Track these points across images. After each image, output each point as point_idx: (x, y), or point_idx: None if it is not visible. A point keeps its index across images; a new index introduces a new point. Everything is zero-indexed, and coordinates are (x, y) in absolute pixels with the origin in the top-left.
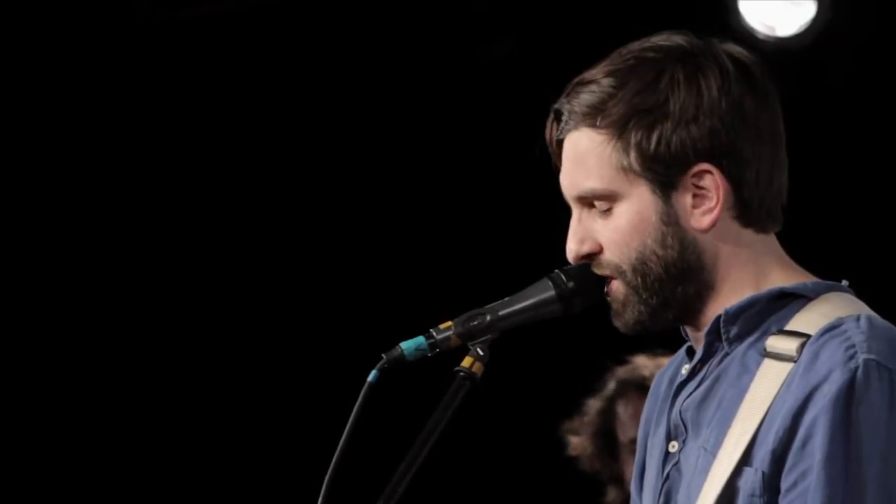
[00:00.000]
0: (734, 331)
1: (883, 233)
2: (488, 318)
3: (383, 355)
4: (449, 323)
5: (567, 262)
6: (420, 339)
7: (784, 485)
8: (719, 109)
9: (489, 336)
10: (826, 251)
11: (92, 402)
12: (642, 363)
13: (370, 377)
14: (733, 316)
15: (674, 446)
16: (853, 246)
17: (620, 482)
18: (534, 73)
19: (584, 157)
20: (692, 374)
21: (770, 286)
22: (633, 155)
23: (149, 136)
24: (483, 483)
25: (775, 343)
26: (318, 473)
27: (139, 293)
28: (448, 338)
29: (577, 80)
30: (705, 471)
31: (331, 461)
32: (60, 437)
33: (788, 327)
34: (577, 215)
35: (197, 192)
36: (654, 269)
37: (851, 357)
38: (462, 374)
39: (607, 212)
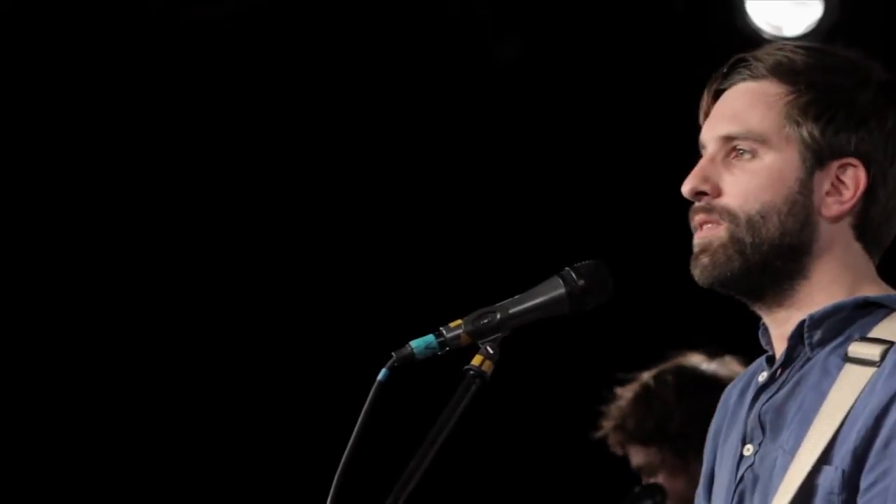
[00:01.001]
0: (817, 335)
1: None
2: (498, 316)
3: (393, 354)
4: (459, 321)
5: (578, 260)
6: (430, 338)
7: (864, 483)
8: (890, 128)
9: (499, 334)
10: None
11: (93, 401)
12: (695, 360)
13: (380, 375)
14: (818, 321)
15: (748, 449)
16: None
17: (653, 441)
18: (540, 77)
19: (756, 100)
20: (772, 378)
21: (857, 295)
22: (806, 121)
23: (158, 134)
24: (492, 481)
25: (858, 349)
26: (328, 472)
27: (148, 293)
28: (458, 336)
29: (766, 45)
30: (783, 470)
31: (340, 459)
32: (58, 436)
33: (871, 335)
34: (712, 155)
35: (203, 190)
36: (771, 230)
37: None
38: (472, 372)
39: (748, 157)
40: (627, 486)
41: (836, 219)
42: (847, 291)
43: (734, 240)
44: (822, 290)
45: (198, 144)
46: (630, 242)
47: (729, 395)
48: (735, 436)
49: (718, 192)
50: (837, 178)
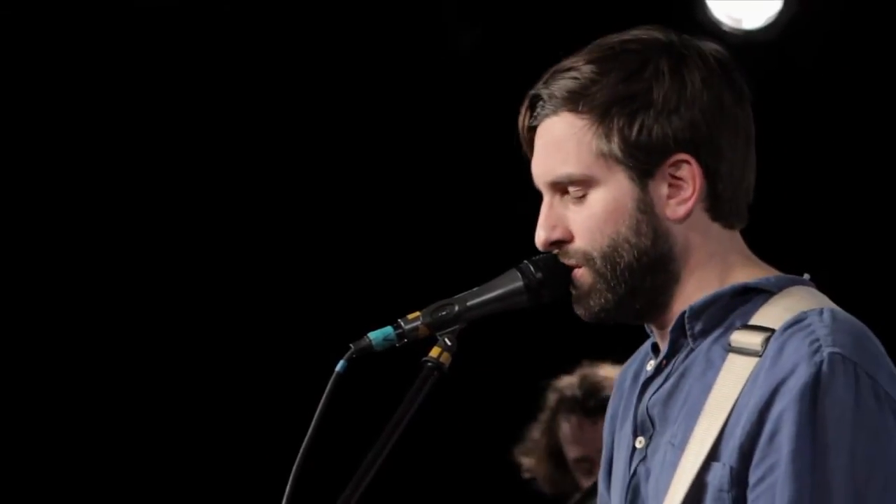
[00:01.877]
0: (699, 326)
1: (847, 224)
2: (456, 308)
3: (351, 345)
4: (417, 313)
5: (536, 253)
6: (388, 330)
7: (752, 479)
8: (701, 102)
9: (457, 326)
10: (790, 243)
11: (73, 400)
12: (571, 381)
13: (338, 367)
14: (697, 311)
15: (640, 442)
16: (817, 238)
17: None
18: (501, 66)
19: (563, 141)
20: (658, 370)
21: (734, 281)
22: (614, 141)
23: (144, 128)
24: (450, 474)
25: (739, 338)
26: (286, 464)
27: (110, 293)
28: (416, 328)
29: (555, 67)
30: (673, 466)
31: (298, 452)
32: (53, 436)
33: (752, 322)
34: (549, 201)
35: (173, 186)
36: (626, 257)
37: (816, 351)
38: (430, 364)
39: (581, 198)
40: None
41: (686, 216)
42: (719, 279)
43: (599, 277)
44: (694, 286)
45: (183, 139)
46: None
47: (623, 379)
48: (629, 425)
49: (570, 236)
50: (672, 177)
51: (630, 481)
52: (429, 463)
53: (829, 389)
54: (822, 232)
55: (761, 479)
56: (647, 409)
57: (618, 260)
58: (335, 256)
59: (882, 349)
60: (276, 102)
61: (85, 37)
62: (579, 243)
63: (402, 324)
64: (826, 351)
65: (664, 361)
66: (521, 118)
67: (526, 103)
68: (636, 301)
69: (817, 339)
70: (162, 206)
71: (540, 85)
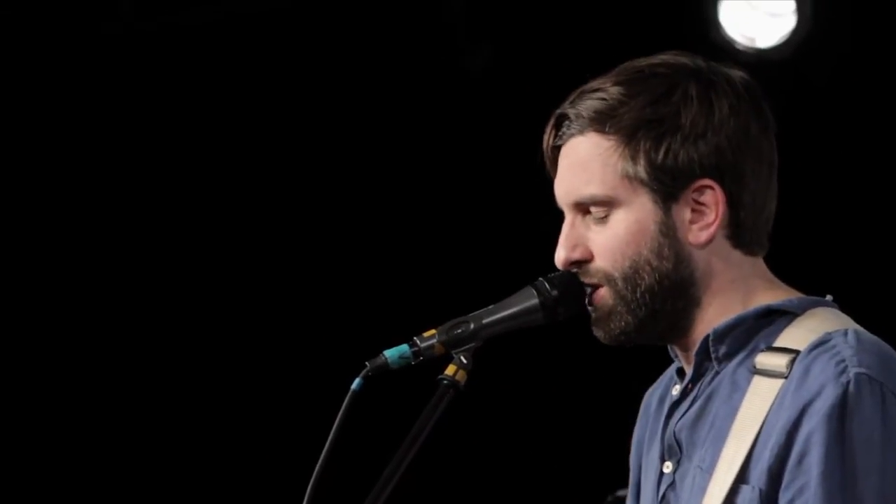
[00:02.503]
0: (723, 349)
1: (864, 244)
2: (472, 326)
3: (367, 363)
4: (433, 331)
5: (552, 271)
6: (404, 347)
7: (782, 500)
8: (728, 128)
9: (473, 344)
10: (809, 264)
11: (75, 401)
12: None
13: (354, 385)
14: (721, 334)
15: (668, 467)
16: (836, 258)
17: None
18: (512, 83)
19: (588, 162)
20: (684, 394)
21: (757, 304)
22: (641, 163)
23: (152, 131)
24: (465, 492)
25: (764, 360)
26: (302, 481)
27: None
28: (432, 346)
29: (582, 87)
30: (702, 490)
31: (314, 469)
32: (53, 436)
33: (777, 344)
34: (571, 221)
35: (170, 194)
36: (647, 280)
37: (842, 372)
38: (445, 382)
39: (604, 219)
40: (600, 495)
41: (708, 241)
42: (742, 303)
43: (619, 299)
44: (716, 310)
45: (171, 150)
46: None
47: (649, 403)
48: (655, 450)
49: (590, 256)
50: (696, 202)
51: None
52: (445, 481)
53: (857, 410)
54: (842, 248)
55: (791, 502)
56: (674, 433)
57: (639, 282)
58: (353, 272)
59: None
60: (299, 120)
61: (85, 36)
62: (600, 263)
63: (417, 342)
64: (852, 371)
65: (690, 385)
66: (546, 137)
67: (551, 122)
68: (656, 324)
69: (843, 360)
70: (178, 214)
71: (566, 104)
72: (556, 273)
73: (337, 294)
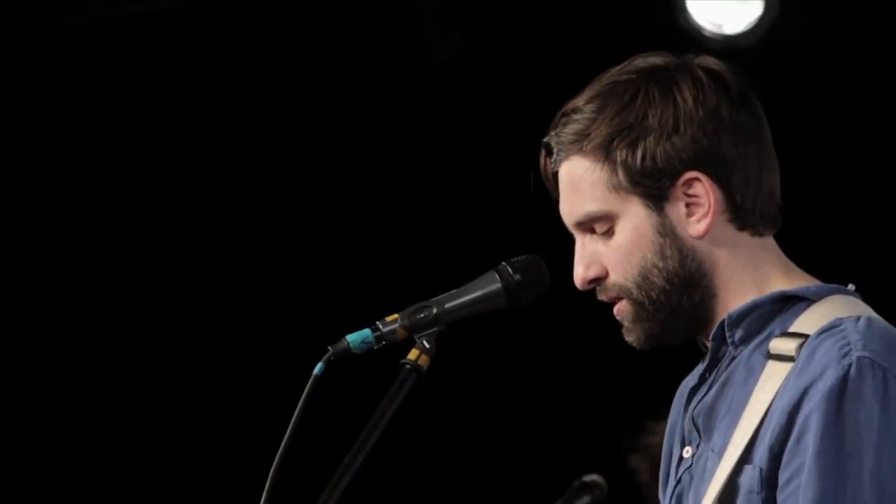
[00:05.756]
0: (739, 334)
1: (837, 233)
2: (434, 310)
3: (329, 348)
4: (395, 315)
5: (513, 255)
6: (366, 332)
7: (781, 480)
8: (697, 117)
9: (435, 328)
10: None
11: (71, 401)
12: None
13: (316, 370)
14: (736, 319)
15: (688, 451)
16: (804, 248)
17: None
18: (482, 73)
19: (577, 183)
20: (702, 379)
21: (771, 290)
22: (620, 173)
23: (142, 130)
24: (428, 476)
25: (778, 345)
26: (264, 466)
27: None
28: (394, 330)
29: (561, 110)
30: (712, 472)
31: (276, 455)
32: (51, 436)
33: (791, 329)
34: (581, 241)
35: (141, 185)
36: (657, 283)
37: (846, 355)
38: (408, 366)
39: (608, 233)
40: (566, 480)
41: (707, 231)
42: (756, 288)
43: (638, 307)
44: (734, 297)
45: (146, 146)
46: (568, 240)
47: (682, 392)
48: (677, 435)
49: (605, 272)
50: (687, 196)
51: (675, 489)
52: (407, 465)
53: (857, 392)
54: (817, 240)
55: (789, 480)
56: (692, 418)
57: (651, 286)
58: (316, 257)
59: None
60: (266, 111)
61: (85, 37)
62: (614, 277)
63: (380, 326)
64: (855, 355)
65: (707, 370)
66: (542, 167)
67: (543, 153)
68: (679, 322)
69: (848, 344)
70: (147, 208)
71: (551, 133)
72: (520, 257)
73: (300, 279)
